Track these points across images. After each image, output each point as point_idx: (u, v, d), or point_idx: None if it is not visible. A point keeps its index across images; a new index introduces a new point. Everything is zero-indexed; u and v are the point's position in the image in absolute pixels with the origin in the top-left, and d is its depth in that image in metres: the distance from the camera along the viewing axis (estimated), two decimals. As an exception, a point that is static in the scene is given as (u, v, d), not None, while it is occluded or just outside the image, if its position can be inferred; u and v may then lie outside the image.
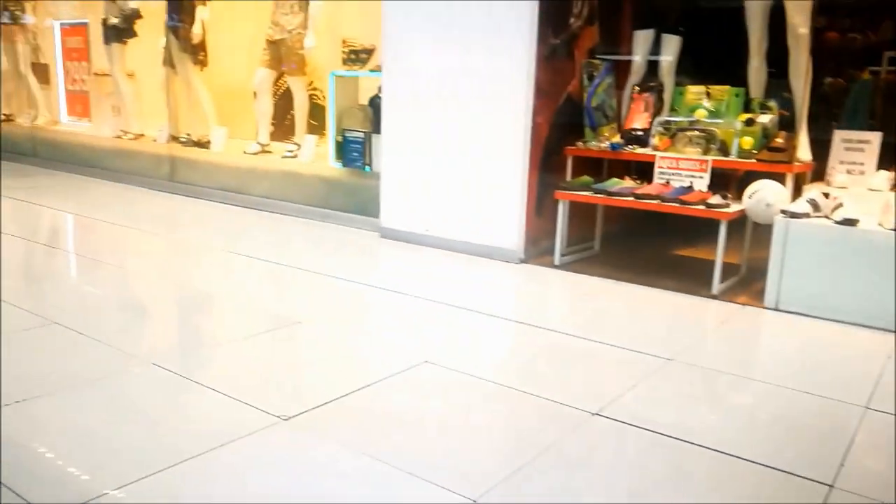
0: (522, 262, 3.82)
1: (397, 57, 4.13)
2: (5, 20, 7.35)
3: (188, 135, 5.88)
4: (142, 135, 6.37)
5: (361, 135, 4.68)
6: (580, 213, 3.86)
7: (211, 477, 1.67)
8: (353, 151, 4.73)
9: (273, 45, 5.27)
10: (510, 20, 3.65)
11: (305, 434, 1.90)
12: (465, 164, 3.93)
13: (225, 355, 2.50)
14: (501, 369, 2.50)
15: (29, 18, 7.23)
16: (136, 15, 6.14)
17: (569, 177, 3.85)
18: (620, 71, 4.03)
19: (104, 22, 6.31)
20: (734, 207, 3.29)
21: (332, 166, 4.93)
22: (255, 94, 5.54)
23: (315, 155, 5.16)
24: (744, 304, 3.21)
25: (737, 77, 3.66)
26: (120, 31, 6.23)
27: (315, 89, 5.65)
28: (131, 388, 2.17)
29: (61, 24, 7.01)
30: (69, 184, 6.21)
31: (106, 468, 1.69)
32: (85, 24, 6.70)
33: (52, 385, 2.14)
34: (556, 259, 3.79)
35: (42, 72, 7.27)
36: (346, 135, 4.76)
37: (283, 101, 5.78)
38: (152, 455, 1.74)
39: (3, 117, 7.65)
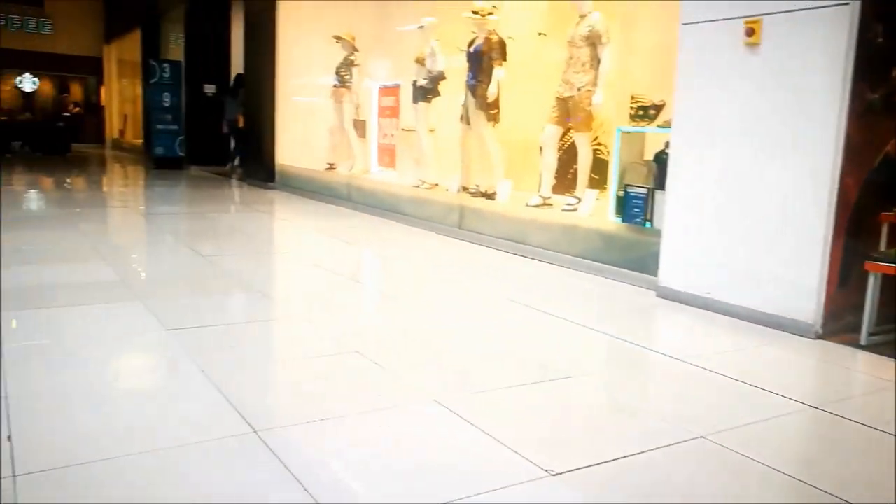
0: (819, 337, 3.43)
1: (688, 112, 4.03)
2: (335, 83, 8.59)
3: (477, 186, 6.30)
4: (437, 184, 6.96)
5: (644, 190, 4.63)
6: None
7: (480, 520, 1.74)
8: (635, 207, 4.68)
9: (562, 101, 5.46)
10: (816, 70, 3.37)
11: (573, 492, 1.90)
12: (756, 225, 3.67)
13: (498, 401, 2.60)
14: (793, 459, 2.26)
15: (355, 81, 8.36)
16: (441, 76, 6.80)
17: (883, 246, 3.40)
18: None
19: (414, 83, 7.08)
20: None
21: (611, 221, 4.93)
22: (541, 148, 5.77)
23: (595, 209, 5.20)
24: None
25: None
26: (426, 91, 6.94)
27: (599, 144, 5.72)
28: (410, 420, 2.35)
29: (379, 86, 7.99)
30: (374, 224, 6.99)
31: (380, 496, 1.85)
32: (398, 86, 7.57)
33: (342, 409, 2.40)
34: (863, 338, 3.34)
35: (360, 127, 8.33)
36: (629, 190, 4.73)
37: (567, 156, 5.93)
38: (420, 489, 1.87)
39: (328, 166, 8.91)
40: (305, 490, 1.82)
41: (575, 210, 5.32)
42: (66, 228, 6.40)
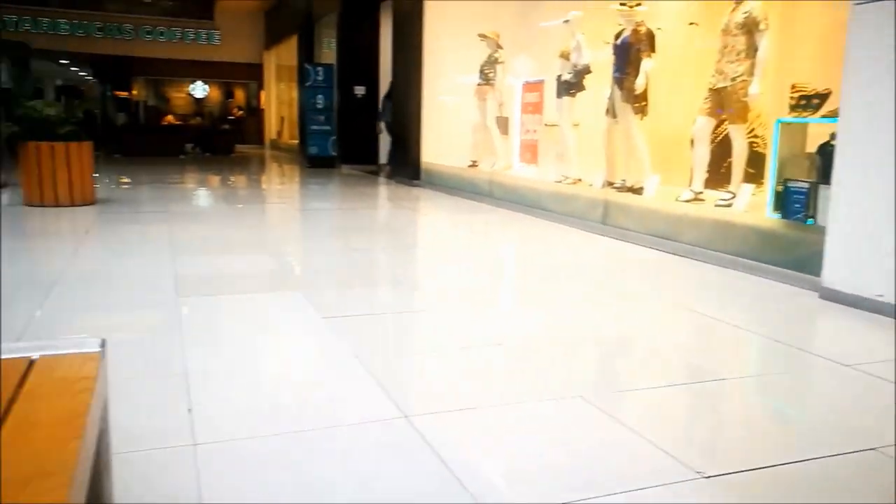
0: None
1: (859, 100, 3.73)
2: (479, 81, 8.69)
3: (623, 181, 6.16)
4: (580, 180, 6.88)
5: (807, 185, 4.33)
6: None
7: (628, 516, 1.72)
8: (796, 203, 4.39)
9: (715, 92, 5.22)
10: None
11: (727, 496, 1.83)
12: (939, 223, 3.34)
13: (645, 400, 2.54)
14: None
15: (499, 78, 8.42)
16: (586, 70, 6.70)
17: None
18: None
19: (558, 78, 7.03)
20: None
21: (768, 217, 4.66)
22: (691, 141, 5.55)
23: (750, 204, 4.93)
24: None
25: None
26: (570, 86, 6.87)
27: (755, 136, 5.41)
28: (556, 415, 2.35)
29: (522, 82, 8.00)
30: (516, 220, 7.03)
31: (536, 487, 1.87)
32: (542, 81, 7.54)
33: (488, 399, 2.45)
34: None
35: (503, 124, 8.39)
36: (789, 185, 4.45)
37: (720, 149, 5.66)
38: (570, 484, 1.87)
39: (471, 163, 9.04)
40: (455, 476, 1.88)
41: (729, 206, 5.07)
42: (232, 223, 6.94)
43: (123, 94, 25.51)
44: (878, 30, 3.61)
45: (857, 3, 3.70)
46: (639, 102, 5.99)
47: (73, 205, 7.27)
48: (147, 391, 2.41)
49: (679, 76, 5.97)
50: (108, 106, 24.98)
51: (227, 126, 22.87)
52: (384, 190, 10.38)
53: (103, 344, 1.37)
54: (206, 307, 3.60)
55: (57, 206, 7.19)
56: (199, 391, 2.41)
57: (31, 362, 1.26)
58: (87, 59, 24.25)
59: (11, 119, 8.63)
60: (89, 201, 7.50)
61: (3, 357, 1.28)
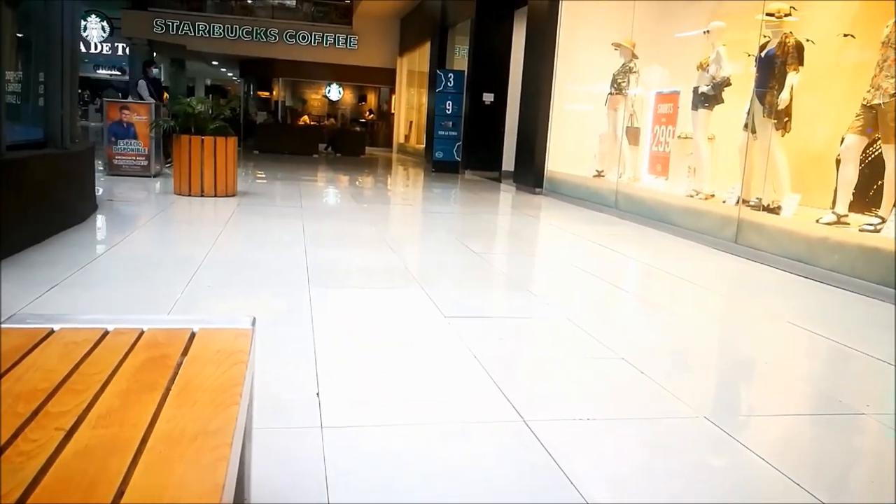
0: None
1: None
2: (612, 90, 8.56)
3: (759, 198, 5.88)
4: (712, 195, 6.62)
5: (971, 213, 3.97)
6: None
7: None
8: (957, 231, 4.04)
9: (869, 109, 4.88)
10: None
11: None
12: None
13: (774, 427, 2.42)
14: None
15: (632, 89, 8.26)
16: (726, 83, 6.45)
17: None
18: None
19: (695, 90, 6.81)
20: None
21: (924, 246, 4.30)
22: (837, 161, 5.21)
23: (902, 231, 4.57)
24: None
25: None
26: (708, 98, 6.63)
27: (913, 158, 5.01)
28: (680, 435, 2.28)
29: (656, 93, 7.81)
30: (642, 233, 6.86)
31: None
32: (677, 93, 7.32)
33: (608, 411, 2.41)
34: None
35: (633, 135, 8.21)
36: (950, 212, 4.09)
37: (870, 170, 5.28)
38: (684, 496, 1.81)
39: (596, 173, 8.92)
40: (571, 484, 1.88)
41: (878, 231, 4.72)
42: (359, 220, 7.20)
43: (264, 93, 27.05)
44: None
45: None
46: (781, 118, 5.70)
47: (216, 195, 7.79)
48: (279, 373, 2.55)
49: (827, 91, 5.62)
50: (249, 104, 26.59)
51: (358, 128, 23.73)
52: (506, 196, 10.42)
53: (254, 322, 1.47)
54: (335, 298, 3.77)
55: (202, 196, 7.73)
56: (327, 377, 2.53)
57: (193, 334, 1.38)
58: (235, 61, 25.91)
59: (167, 114, 9.39)
60: (231, 193, 8.01)
61: (170, 327, 1.41)
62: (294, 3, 22.85)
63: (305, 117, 24.31)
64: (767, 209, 5.75)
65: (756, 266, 5.42)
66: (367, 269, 4.63)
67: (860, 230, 4.83)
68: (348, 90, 29.39)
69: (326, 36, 22.28)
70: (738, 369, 3.17)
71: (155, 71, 12.03)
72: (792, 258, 5.22)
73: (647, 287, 4.91)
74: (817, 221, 5.18)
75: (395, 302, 3.82)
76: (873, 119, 4.88)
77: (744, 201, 6.01)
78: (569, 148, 10.07)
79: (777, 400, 2.74)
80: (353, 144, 20.22)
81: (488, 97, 14.07)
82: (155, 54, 22.13)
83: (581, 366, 2.92)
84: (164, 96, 12.50)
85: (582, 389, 2.65)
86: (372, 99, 29.43)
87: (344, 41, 22.42)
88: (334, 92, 28.91)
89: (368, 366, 2.74)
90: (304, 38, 22.02)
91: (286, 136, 18.96)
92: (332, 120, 25.94)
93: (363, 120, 27.19)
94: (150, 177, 9.45)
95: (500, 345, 3.16)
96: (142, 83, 11.33)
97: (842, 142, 5.14)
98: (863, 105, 4.94)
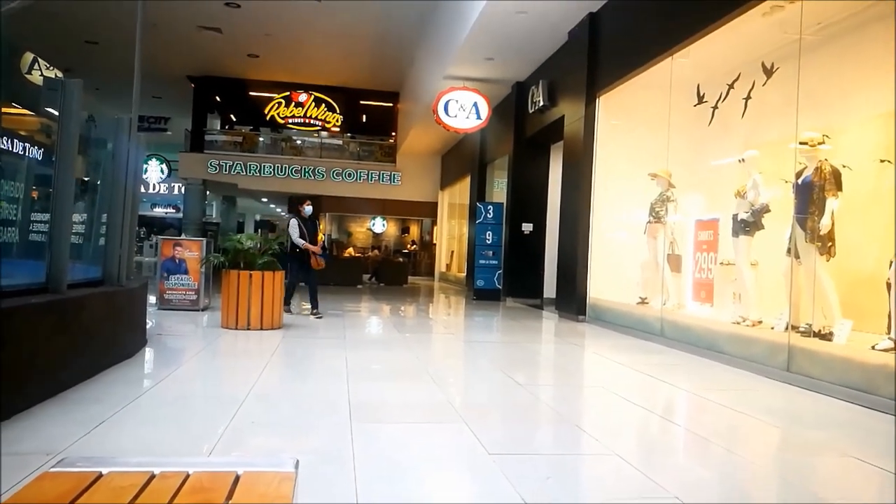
0: None
1: None
2: (650, 219, 8.67)
3: (808, 324, 5.74)
4: (759, 322, 6.49)
5: None
6: None
7: None
8: None
9: (914, 233, 4.84)
10: None
11: None
12: None
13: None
14: None
15: (671, 217, 8.36)
16: (765, 209, 6.49)
17: None
18: None
19: (734, 217, 6.85)
20: None
21: None
22: (888, 285, 5.11)
23: (966, 357, 4.39)
24: None
25: None
26: (748, 224, 6.66)
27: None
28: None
29: (695, 220, 7.87)
30: (688, 362, 6.69)
31: None
32: (716, 220, 7.38)
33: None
34: None
35: (675, 261, 8.21)
36: None
37: (924, 294, 5.15)
38: None
39: (640, 300, 8.86)
40: None
41: (938, 357, 4.54)
42: (401, 350, 7.20)
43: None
44: None
45: None
46: (824, 242, 5.67)
47: (262, 328, 7.92)
48: (321, 514, 2.49)
49: (870, 215, 5.61)
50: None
51: (401, 258, 24.24)
52: (549, 324, 10.35)
53: (297, 465, 1.47)
54: (377, 434, 3.72)
55: (248, 329, 7.87)
56: (369, 519, 2.46)
57: (237, 477, 1.39)
58: (283, 197, 27.08)
59: (218, 250, 9.75)
60: (277, 326, 8.14)
61: (214, 470, 1.41)
62: (341, 142, 24.09)
63: (351, 249, 24.98)
64: (819, 335, 5.60)
65: (812, 395, 5.21)
66: (409, 404, 4.59)
67: (920, 357, 4.64)
68: (392, 222, 30.32)
69: (371, 173, 23.29)
70: (802, 509, 2.99)
71: (308, 209, 10.21)
72: (849, 386, 5.02)
73: (699, 420, 4.74)
74: (873, 348, 5.02)
75: (437, 438, 3.75)
76: (920, 243, 4.82)
77: (793, 327, 5.87)
78: (611, 275, 10.08)
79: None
80: (396, 274, 20.59)
81: (527, 227, 14.35)
82: (208, 192, 23.31)
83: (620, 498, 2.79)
84: (320, 238, 10.43)
85: (635, 532, 2.52)
86: (414, 230, 30.23)
87: (388, 178, 23.37)
88: (378, 225, 29.82)
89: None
90: (349, 175, 23.03)
91: (332, 268, 19.42)
92: (376, 251, 26.59)
93: (406, 250, 27.82)
94: (198, 310, 9.70)
95: (548, 484, 3.04)
96: (293, 223, 10.05)
97: (890, 265, 5.07)
98: (908, 229, 4.90)
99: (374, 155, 23.95)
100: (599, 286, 10.33)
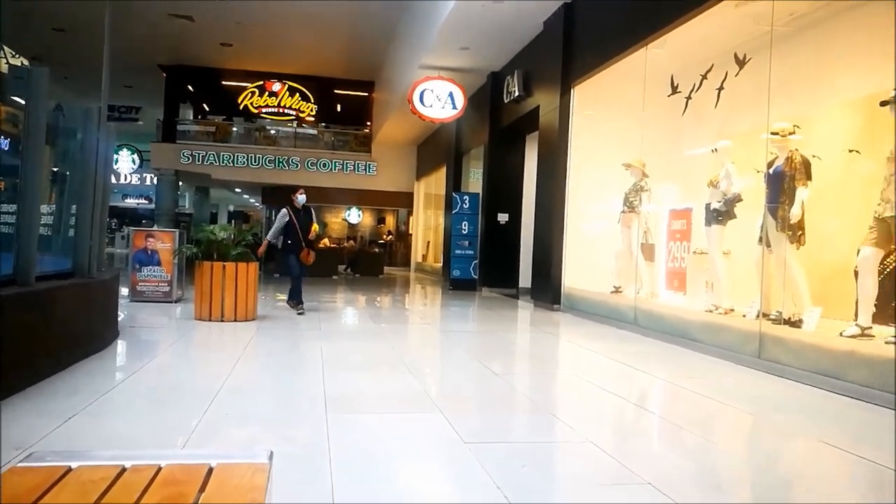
0: None
1: None
2: (624, 209, 8.73)
3: (779, 312, 5.83)
4: (731, 310, 6.58)
5: None
6: None
7: None
8: None
9: (882, 222, 4.93)
10: None
11: None
12: None
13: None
14: None
15: (645, 206, 8.42)
16: (737, 199, 6.57)
17: None
18: None
19: (707, 206, 6.93)
20: None
21: (953, 358, 4.21)
22: (855, 273, 5.21)
23: (931, 343, 4.49)
24: None
25: None
26: (721, 214, 6.74)
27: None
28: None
29: (669, 210, 7.94)
30: (662, 350, 6.77)
31: None
32: (689, 209, 7.45)
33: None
34: None
35: (648, 251, 8.28)
36: (976, 323, 4.02)
37: (890, 281, 5.25)
38: None
39: (614, 289, 8.93)
40: None
41: (904, 343, 4.64)
42: (377, 341, 7.19)
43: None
44: None
45: None
46: (795, 231, 5.75)
47: (236, 320, 7.86)
48: (297, 505, 2.49)
49: (839, 204, 5.70)
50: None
51: (377, 249, 24.18)
52: (524, 313, 10.40)
53: (271, 456, 1.46)
54: (352, 424, 3.71)
55: (222, 321, 7.80)
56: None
57: (210, 469, 1.37)
58: (257, 188, 26.84)
59: (191, 241, 9.61)
60: (251, 317, 8.08)
61: (187, 462, 1.40)
62: (315, 132, 23.91)
63: (326, 240, 24.86)
64: (789, 322, 5.69)
65: (783, 382, 5.30)
66: (385, 394, 4.58)
67: (885, 342, 4.74)
68: (367, 213, 30.20)
69: (346, 163, 23.16)
70: (775, 494, 3.04)
71: (301, 198, 9.66)
72: (819, 373, 5.11)
73: (672, 407, 4.80)
74: (841, 334, 5.11)
75: (413, 428, 3.75)
76: (887, 231, 4.91)
77: (764, 315, 5.96)
78: (585, 264, 10.15)
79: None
80: (371, 265, 20.53)
81: (503, 217, 14.39)
82: (180, 183, 23.02)
83: (608, 493, 2.81)
84: (313, 229, 9.78)
85: (609, 518, 2.55)
86: (390, 220, 30.15)
87: (363, 168, 23.26)
88: (354, 215, 29.70)
89: (387, 495, 2.66)
90: (324, 165, 22.88)
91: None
92: (352, 242, 26.49)
93: (382, 241, 27.74)
94: (171, 302, 9.59)
95: (522, 472, 3.06)
96: (283, 212, 9.49)
97: (858, 253, 5.16)
98: (875, 217, 4.99)
99: (349, 145, 23.82)
100: (574, 276, 10.40)
